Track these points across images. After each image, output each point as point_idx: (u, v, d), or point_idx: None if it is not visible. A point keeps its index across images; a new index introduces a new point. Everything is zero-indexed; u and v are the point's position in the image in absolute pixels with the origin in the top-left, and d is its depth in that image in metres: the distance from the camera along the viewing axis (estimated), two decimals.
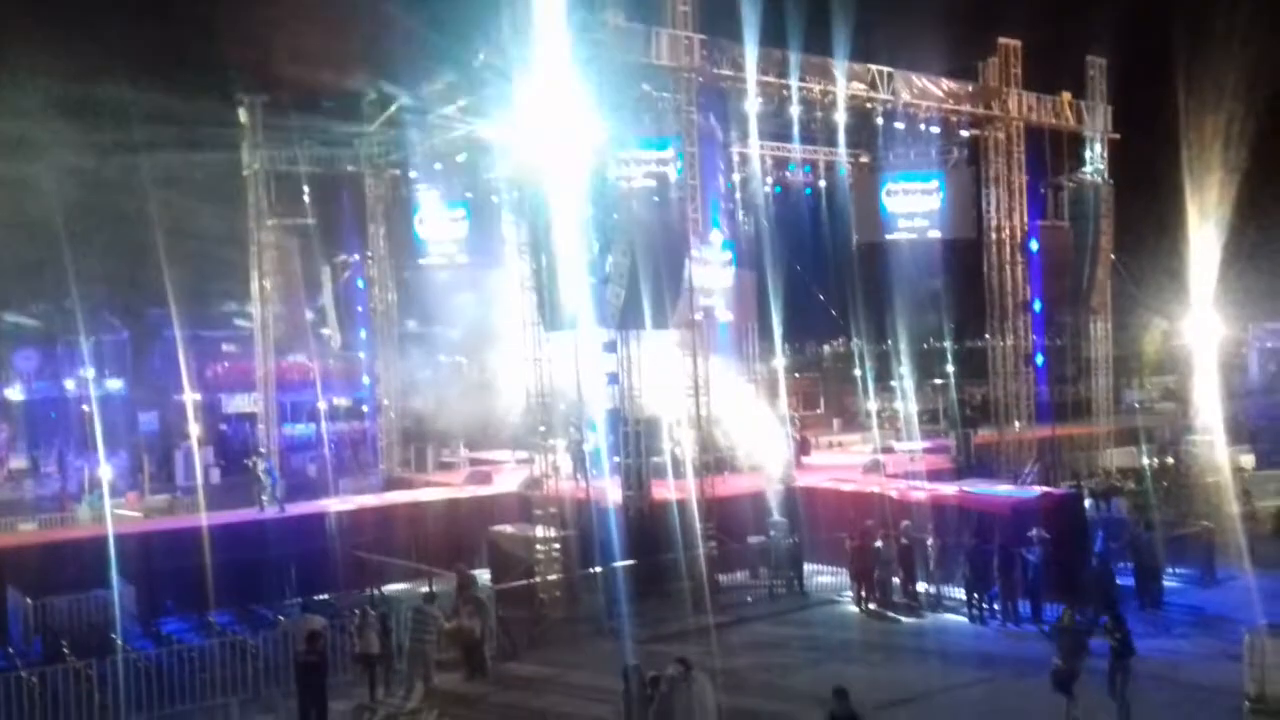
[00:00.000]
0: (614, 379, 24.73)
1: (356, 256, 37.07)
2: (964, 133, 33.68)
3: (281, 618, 20.85)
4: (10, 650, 20.53)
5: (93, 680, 16.86)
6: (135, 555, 23.09)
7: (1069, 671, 15.05)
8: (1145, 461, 33.53)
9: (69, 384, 42.96)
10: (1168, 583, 22.54)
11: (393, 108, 31.90)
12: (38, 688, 16.48)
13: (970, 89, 32.57)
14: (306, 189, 34.19)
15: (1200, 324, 37.03)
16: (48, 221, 33.36)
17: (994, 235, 33.36)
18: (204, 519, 25.83)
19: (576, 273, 23.77)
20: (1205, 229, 34.23)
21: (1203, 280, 35.11)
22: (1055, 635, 15.74)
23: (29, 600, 21.18)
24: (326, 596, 23.29)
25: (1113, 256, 36.50)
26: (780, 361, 35.70)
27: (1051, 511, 22.32)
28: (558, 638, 21.13)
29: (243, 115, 32.64)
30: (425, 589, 20.42)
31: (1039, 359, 34.42)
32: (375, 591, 23.77)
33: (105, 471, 31.63)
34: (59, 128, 35.80)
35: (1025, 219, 33.65)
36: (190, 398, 37.26)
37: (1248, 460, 33.85)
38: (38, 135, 35.48)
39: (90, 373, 41.66)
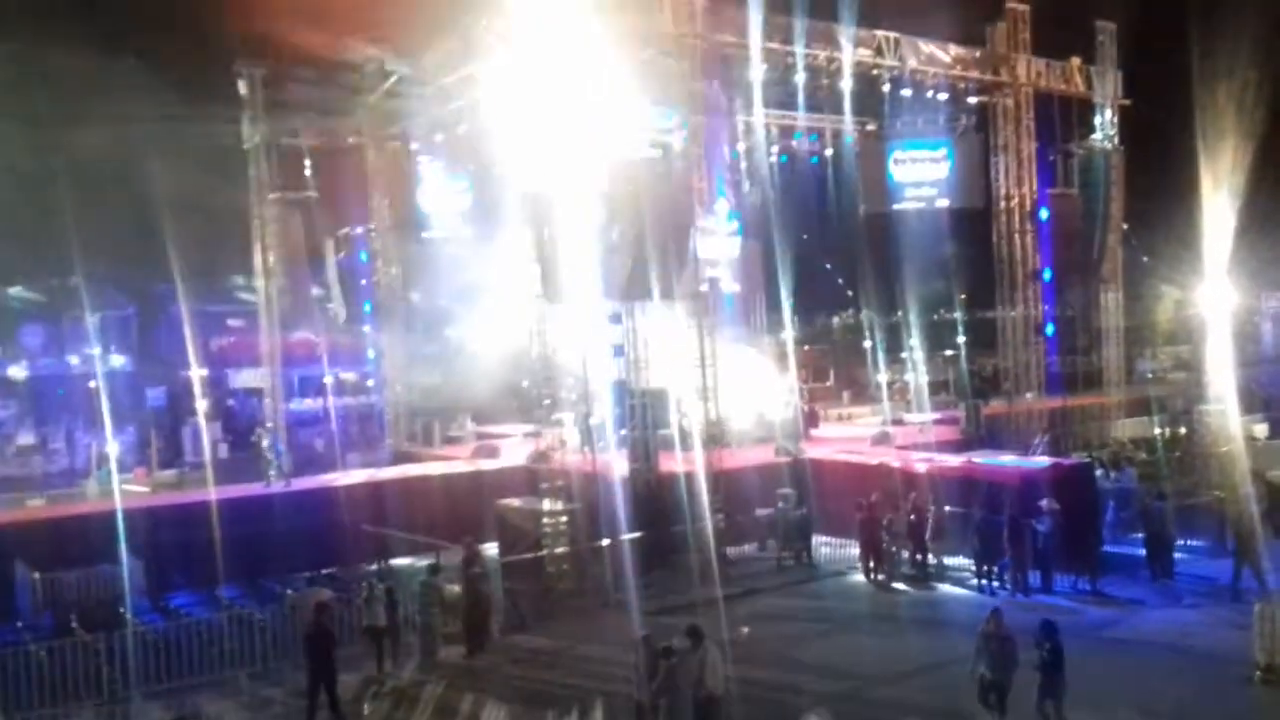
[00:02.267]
0: (619, 351, 24.57)
1: (360, 230, 36.88)
2: (972, 99, 33.39)
3: (289, 591, 20.83)
4: (19, 625, 20.54)
5: (101, 654, 16.87)
6: (143, 530, 23.04)
7: (998, 684, 13.50)
8: (1157, 431, 33.30)
9: (74, 360, 42.92)
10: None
11: (393, 78, 31.59)
12: (46, 662, 16.48)
13: (978, 55, 32.24)
14: (308, 161, 33.96)
15: (1213, 293, 36.62)
16: (51, 197, 33.20)
17: (1003, 204, 33.11)
18: (212, 494, 25.78)
19: (580, 244, 23.57)
20: (1218, 196, 33.72)
21: (1216, 248, 34.66)
22: (981, 642, 13.73)
23: (37, 575, 21.22)
24: (333, 570, 23.31)
25: (1124, 225, 36.18)
26: (789, 333, 35.48)
27: (1062, 482, 22.15)
28: (566, 610, 21.11)
29: (242, 87, 32.35)
30: (429, 562, 20.35)
31: (1049, 329, 34.23)
32: (382, 565, 23.76)
33: (113, 447, 31.59)
34: (60, 102, 35.60)
35: (1035, 187, 33.39)
36: (197, 373, 37.12)
37: (1260, 430, 33.54)
38: (39, 110, 35.27)
39: (97, 349, 41.60)
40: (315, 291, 37.74)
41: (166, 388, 41.86)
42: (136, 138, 34.28)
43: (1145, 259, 41.17)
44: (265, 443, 27.70)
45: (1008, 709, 13.56)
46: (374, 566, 23.77)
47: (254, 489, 26.91)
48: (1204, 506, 23.95)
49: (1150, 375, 45.50)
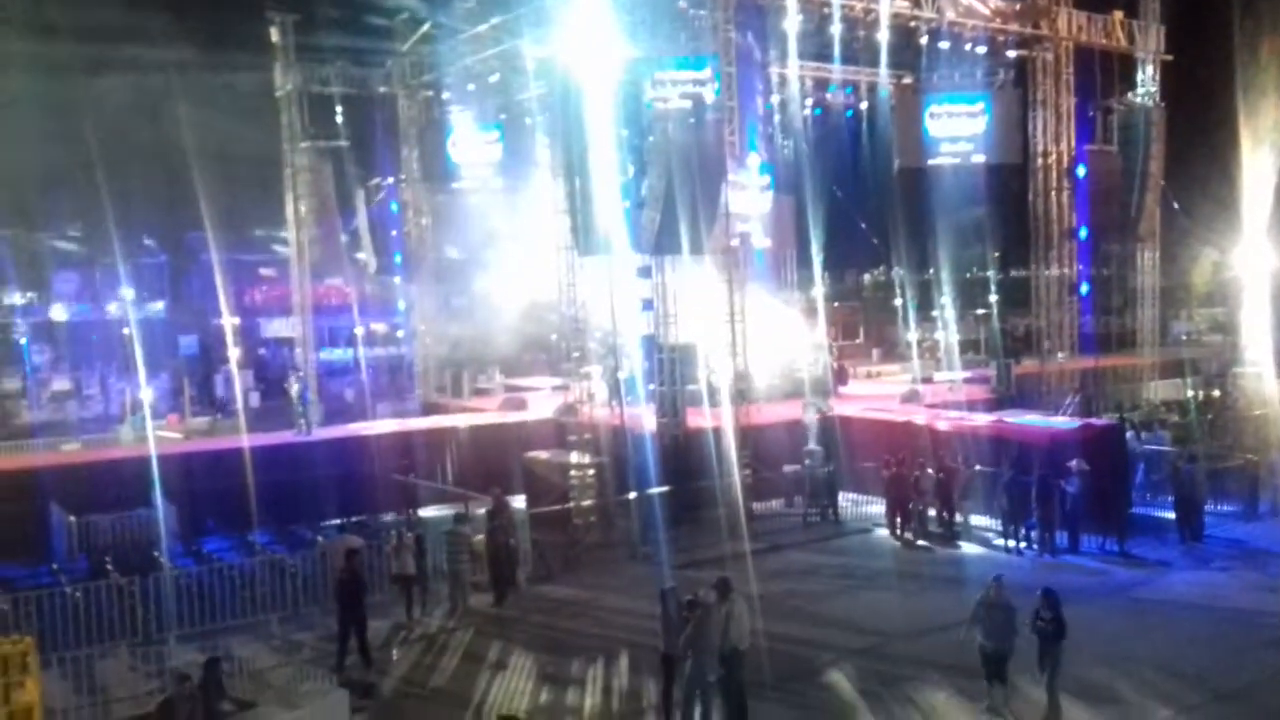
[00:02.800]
0: (649, 305, 24.50)
1: (390, 179, 36.86)
2: (1011, 53, 32.80)
3: (320, 538, 21.08)
4: (54, 567, 20.88)
5: (135, 596, 17.08)
6: (177, 476, 23.36)
7: (998, 653, 13.22)
8: (1190, 394, 32.96)
9: (110, 307, 43.41)
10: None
11: (425, 26, 31.42)
12: (82, 603, 16.74)
13: (1018, 7, 31.65)
14: (339, 110, 33.92)
15: (1252, 254, 36.06)
16: (84, 144, 33.35)
17: (1040, 160, 32.65)
18: (244, 441, 26.04)
19: (611, 196, 23.42)
20: (1259, 155, 33.12)
21: (1256, 209, 34.08)
22: (981, 611, 13.36)
23: (72, 518, 21.53)
24: (363, 518, 23.52)
25: (1163, 183, 35.56)
26: (819, 290, 35.22)
27: (1092, 443, 21.92)
28: (592, 562, 21.23)
29: (274, 34, 32.28)
30: (457, 511, 20.50)
31: (1084, 288, 33.84)
32: (411, 514, 23.99)
33: (146, 393, 31.95)
34: (92, 50, 35.64)
35: (1073, 143, 32.90)
36: (229, 321, 37.43)
37: None
38: (72, 57, 35.35)
39: (130, 295, 42.03)
40: (345, 241, 37.82)
41: (199, 335, 42.35)
42: (169, 85, 34.36)
43: (1184, 219, 40.45)
44: (295, 389, 27.92)
45: (1007, 679, 13.41)
46: (403, 515, 24.02)
47: (285, 437, 27.19)
48: (1236, 470, 23.69)
49: (1185, 337, 44.94)
